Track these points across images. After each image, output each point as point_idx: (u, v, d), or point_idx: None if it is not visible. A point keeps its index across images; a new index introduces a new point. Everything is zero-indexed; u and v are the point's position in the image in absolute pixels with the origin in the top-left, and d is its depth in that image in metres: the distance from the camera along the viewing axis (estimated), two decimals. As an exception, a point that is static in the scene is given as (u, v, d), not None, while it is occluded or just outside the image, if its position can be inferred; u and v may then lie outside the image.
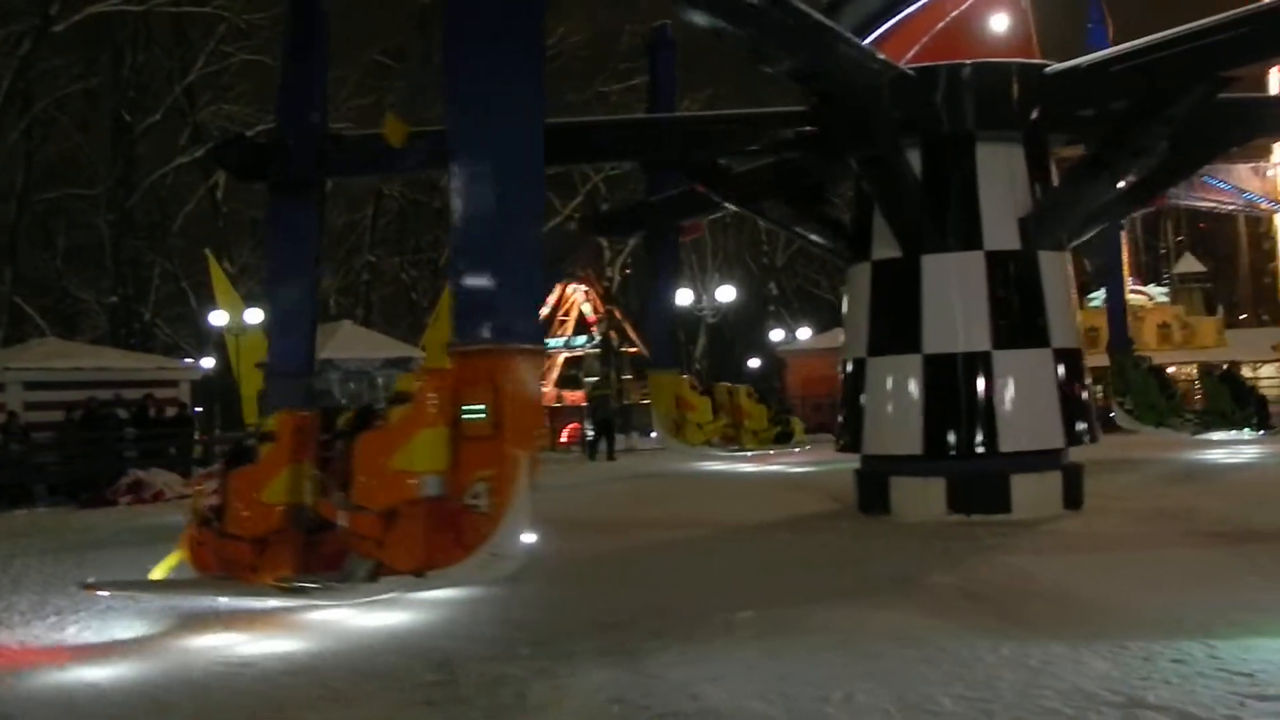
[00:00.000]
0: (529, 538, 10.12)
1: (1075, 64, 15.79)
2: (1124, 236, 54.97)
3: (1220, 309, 54.02)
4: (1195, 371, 38.28)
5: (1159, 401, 28.64)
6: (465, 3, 11.30)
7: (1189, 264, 55.45)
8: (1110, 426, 35.28)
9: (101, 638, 9.93)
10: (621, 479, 24.31)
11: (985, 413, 15.43)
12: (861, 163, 16.29)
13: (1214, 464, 23.01)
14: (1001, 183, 15.79)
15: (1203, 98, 14.74)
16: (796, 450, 29.88)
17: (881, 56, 15.86)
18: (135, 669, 8.71)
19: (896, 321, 16.08)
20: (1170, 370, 46.53)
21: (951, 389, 15.63)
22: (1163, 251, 61.85)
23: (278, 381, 13.80)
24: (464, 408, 10.22)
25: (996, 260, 15.68)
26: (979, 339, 15.55)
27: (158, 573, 11.75)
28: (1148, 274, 58.18)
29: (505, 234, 10.90)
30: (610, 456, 30.85)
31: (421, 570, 10.02)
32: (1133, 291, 50.59)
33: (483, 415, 10.14)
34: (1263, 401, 28.46)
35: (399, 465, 10.16)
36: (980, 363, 15.51)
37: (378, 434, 10.57)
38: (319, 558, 11.10)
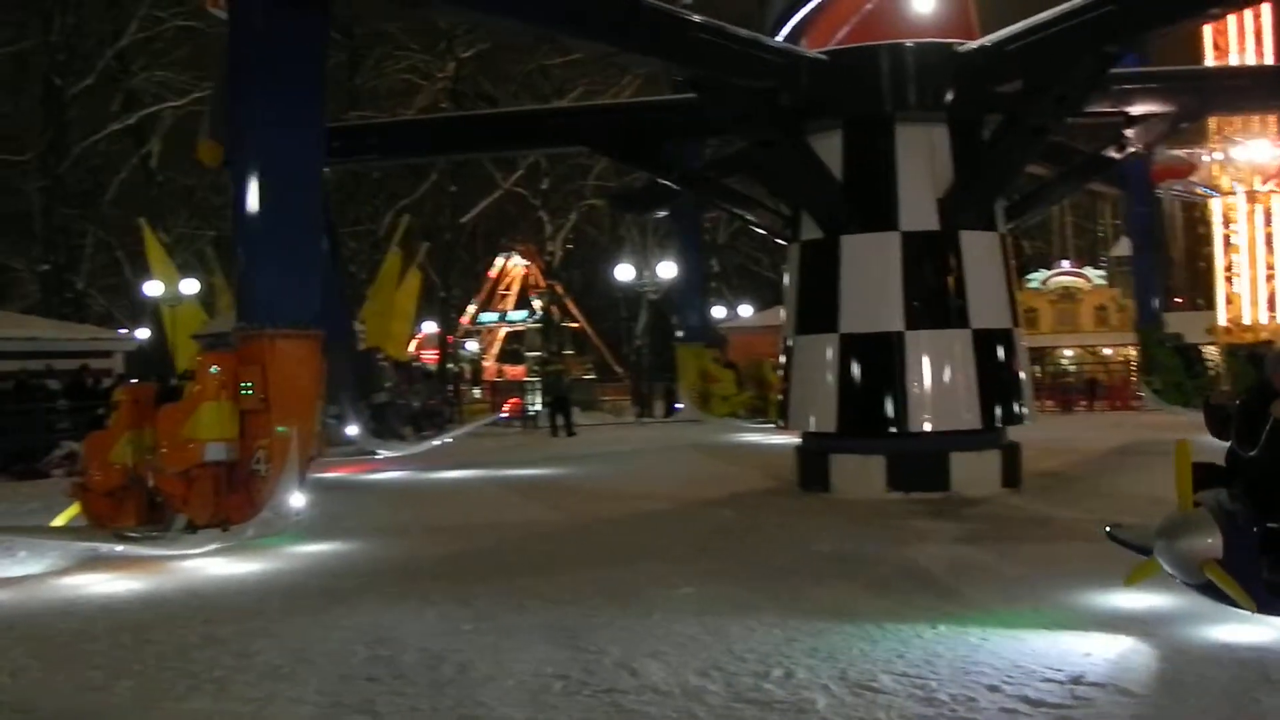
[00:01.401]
0: (299, 501, 12.11)
1: (982, 43, 15.83)
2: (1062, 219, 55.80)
3: (1158, 292, 54.63)
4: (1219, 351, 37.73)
5: (1185, 381, 28.32)
6: (247, 31, 12.90)
7: (1125, 247, 55.99)
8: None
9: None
10: (581, 455, 24.15)
11: (897, 393, 15.53)
12: (754, 146, 16.40)
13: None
14: (921, 163, 15.82)
15: (1092, 74, 14.82)
16: None
17: (780, 47, 16.03)
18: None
19: (819, 301, 16.23)
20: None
21: (865, 369, 15.75)
22: (1100, 234, 62.54)
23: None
24: (241, 384, 12.00)
25: (913, 241, 15.73)
26: (891, 319, 15.62)
27: (59, 521, 13.05)
28: (1085, 257, 58.81)
29: (277, 234, 12.67)
30: (570, 432, 30.81)
31: (221, 525, 11.86)
32: (1070, 274, 51.19)
33: (251, 392, 11.99)
34: None
35: (187, 434, 11.84)
36: (893, 343, 15.58)
37: (174, 406, 12.17)
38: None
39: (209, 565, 11.74)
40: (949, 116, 15.97)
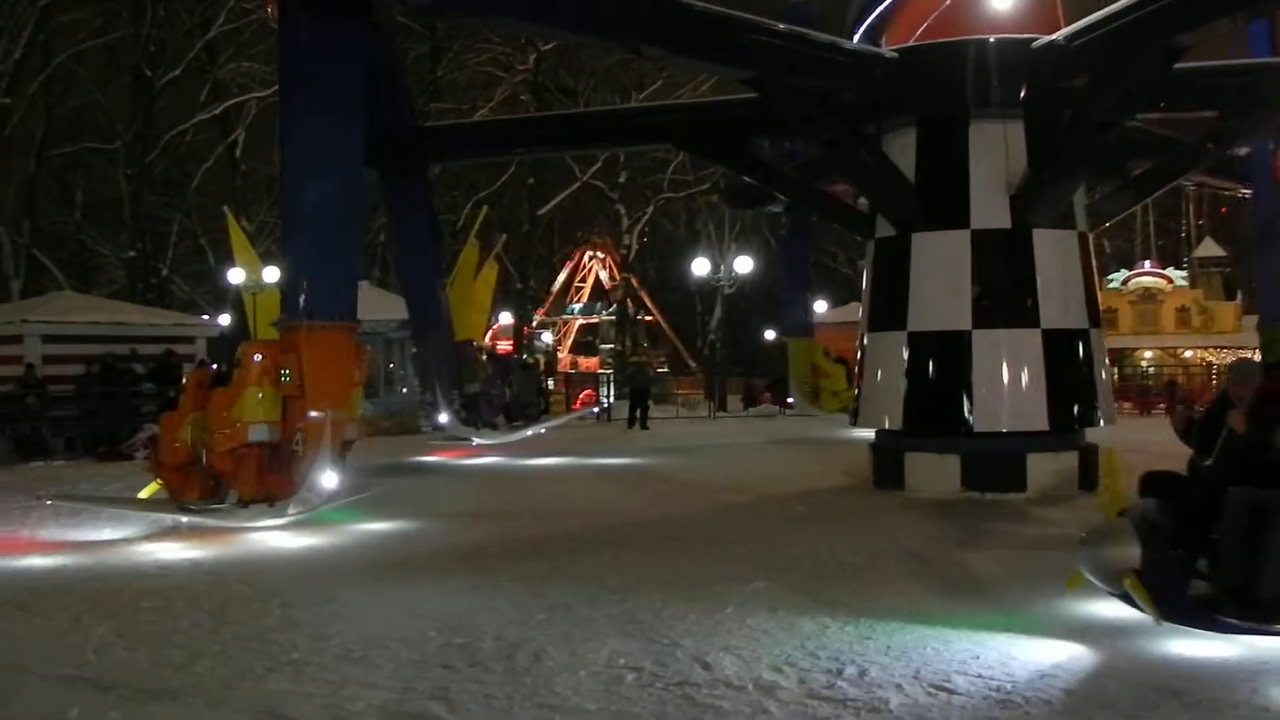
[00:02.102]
0: (330, 481, 12.94)
1: (1053, 38, 15.52)
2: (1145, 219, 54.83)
3: (1240, 294, 53.60)
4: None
5: None
6: (292, 35, 13.68)
7: (1209, 248, 54.98)
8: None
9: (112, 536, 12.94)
10: (657, 448, 24.30)
11: (964, 392, 15.37)
12: (821, 145, 16.35)
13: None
14: (994, 160, 15.61)
15: (1158, 68, 14.45)
16: None
17: (852, 48, 16.03)
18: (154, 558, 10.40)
19: (890, 298, 16.18)
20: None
21: (932, 367, 15.65)
22: (1182, 235, 61.48)
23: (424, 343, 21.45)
24: (281, 371, 12.91)
25: (983, 239, 15.54)
26: (959, 318, 15.46)
27: (143, 494, 14.26)
28: (1167, 257, 57.81)
29: (314, 231, 13.45)
30: (644, 425, 30.93)
31: (268, 500, 13.00)
32: (1151, 274, 50.26)
33: (290, 379, 12.90)
34: None
35: (235, 415, 12.85)
36: (960, 342, 15.42)
37: (224, 390, 13.34)
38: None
39: (285, 542, 12.38)
40: (1023, 113, 15.76)
